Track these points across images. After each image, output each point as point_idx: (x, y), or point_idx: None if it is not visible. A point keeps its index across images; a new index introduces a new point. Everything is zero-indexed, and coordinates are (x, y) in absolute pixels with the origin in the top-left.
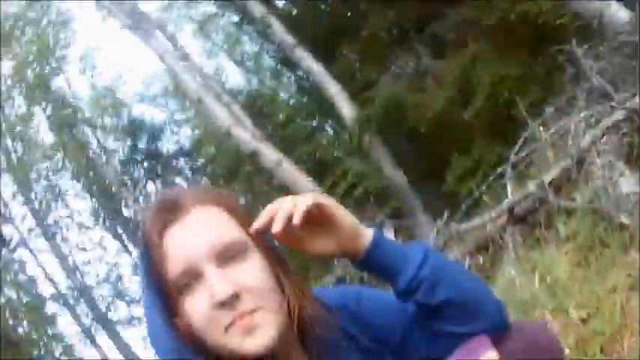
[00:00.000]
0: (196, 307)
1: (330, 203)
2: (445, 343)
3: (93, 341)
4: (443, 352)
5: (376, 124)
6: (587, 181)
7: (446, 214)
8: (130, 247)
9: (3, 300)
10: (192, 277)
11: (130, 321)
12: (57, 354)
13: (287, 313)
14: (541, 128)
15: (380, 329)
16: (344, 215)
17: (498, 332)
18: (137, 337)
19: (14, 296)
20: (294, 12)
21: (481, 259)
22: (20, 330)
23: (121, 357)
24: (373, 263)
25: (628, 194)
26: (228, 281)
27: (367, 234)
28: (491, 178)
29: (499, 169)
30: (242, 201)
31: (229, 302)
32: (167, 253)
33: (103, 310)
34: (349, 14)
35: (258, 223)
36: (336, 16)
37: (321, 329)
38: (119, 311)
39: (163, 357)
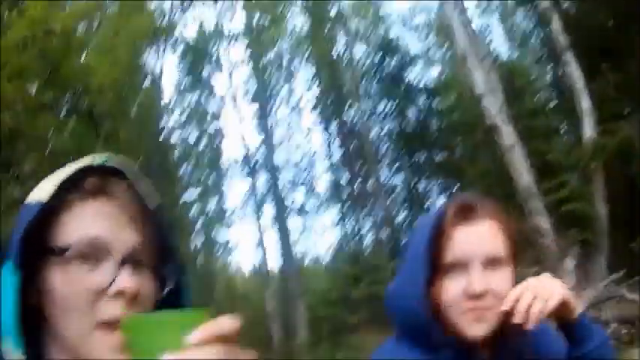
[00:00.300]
0: (452, 288)
1: (574, 306)
2: None
3: None
4: None
5: (606, 157)
6: None
7: (622, 273)
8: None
9: None
10: (461, 267)
11: None
12: None
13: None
14: None
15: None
16: (576, 310)
17: None
18: None
19: None
20: (574, 12)
21: (623, 331)
22: None
23: None
24: (580, 325)
25: None
26: (484, 282)
27: (575, 312)
28: None
29: None
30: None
31: (477, 296)
32: (452, 243)
33: None
34: (626, 34)
35: (506, 306)
36: (613, 33)
37: (513, 342)
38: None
39: (407, 305)
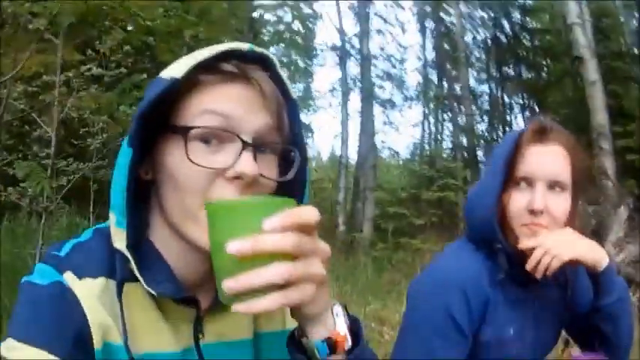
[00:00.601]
0: (516, 200)
1: (592, 262)
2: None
3: None
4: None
5: None
6: None
7: None
8: None
9: None
10: (528, 182)
11: None
12: None
13: None
14: None
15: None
16: (598, 265)
17: None
18: None
19: None
20: None
21: None
22: None
23: None
24: (602, 277)
25: None
26: (544, 201)
27: (604, 258)
28: None
29: None
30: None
31: (535, 213)
32: (524, 160)
33: None
34: None
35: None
36: None
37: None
38: None
39: (481, 210)
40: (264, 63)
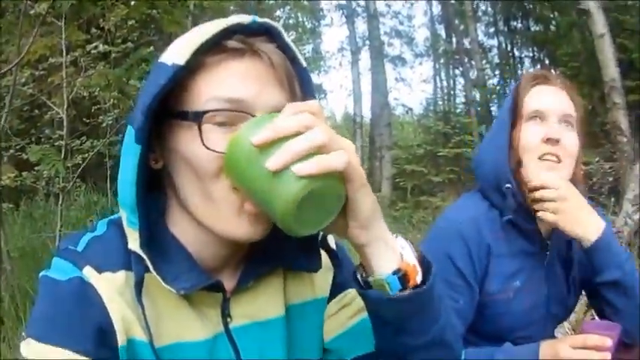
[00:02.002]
0: (531, 132)
1: (582, 236)
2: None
3: None
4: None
5: None
6: None
7: None
8: None
9: None
10: (539, 116)
11: None
12: None
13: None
14: None
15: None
16: (586, 240)
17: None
18: None
19: None
20: None
21: None
22: None
23: None
24: (593, 255)
25: None
26: (560, 133)
27: (600, 229)
28: None
29: None
30: None
31: (551, 142)
32: (532, 97)
33: None
34: None
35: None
36: None
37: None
38: None
39: (489, 155)
40: (270, 33)
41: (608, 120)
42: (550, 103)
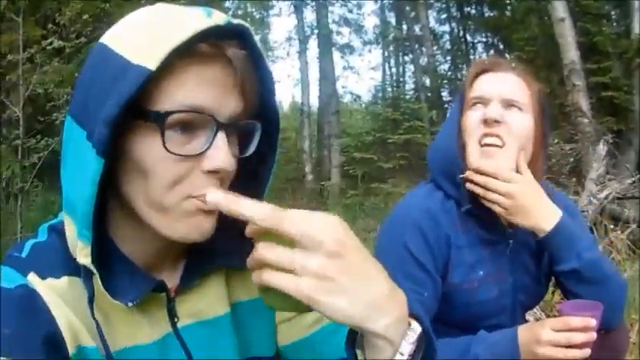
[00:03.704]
0: (472, 117)
1: (536, 227)
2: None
3: None
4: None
5: None
6: None
7: None
8: None
9: None
10: (483, 102)
11: None
12: None
13: (514, 163)
14: None
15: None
16: (540, 229)
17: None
18: None
19: None
20: None
21: None
22: None
23: None
24: (548, 245)
25: None
26: (500, 113)
27: (554, 219)
28: None
29: None
30: None
31: (490, 123)
32: (476, 84)
33: None
34: None
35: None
36: None
37: None
38: None
39: (441, 145)
40: (242, 35)
41: (568, 102)
42: (492, 89)
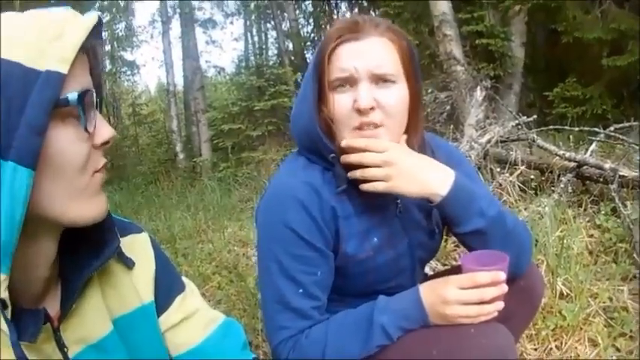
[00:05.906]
0: (341, 104)
1: (428, 193)
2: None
3: None
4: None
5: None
6: None
7: (533, 117)
8: None
9: None
10: (349, 83)
11: None
12: None
13: (398, 138)
14: None
15: None
16: (435, 195)
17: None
18: None
19: None
20: None
21: (531, 177)
22: None
23: None
24: (447, 209)
25: None
26: (372, 97)
27: (448, 181)
28: None
29: None
30: None
31: (365, 112)
32: (337, 59)
33: None
34: None
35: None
36: None
37: None
38: None
39: (302, 122)
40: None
41: (440, 52)
42: (358, 65)
